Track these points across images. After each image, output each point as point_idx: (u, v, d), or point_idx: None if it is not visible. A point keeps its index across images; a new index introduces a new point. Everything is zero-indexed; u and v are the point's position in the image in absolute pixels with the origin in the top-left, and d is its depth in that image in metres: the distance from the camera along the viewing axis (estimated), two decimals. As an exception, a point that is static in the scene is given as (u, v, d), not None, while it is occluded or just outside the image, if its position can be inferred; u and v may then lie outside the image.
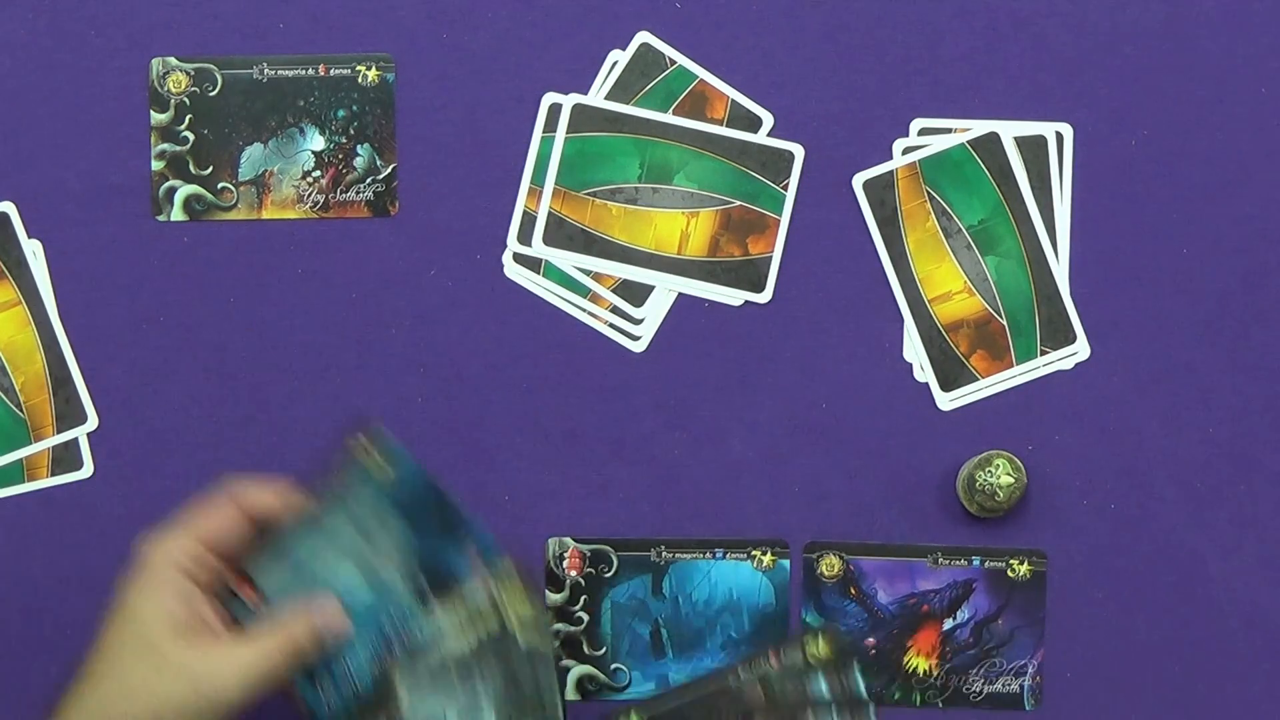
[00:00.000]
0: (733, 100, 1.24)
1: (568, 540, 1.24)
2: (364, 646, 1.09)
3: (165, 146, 1.23)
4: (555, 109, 1.23)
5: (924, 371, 1.24)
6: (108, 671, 1.04)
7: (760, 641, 1.22)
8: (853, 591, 1.24)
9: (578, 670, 1.24)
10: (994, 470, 1.21)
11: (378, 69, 1.23)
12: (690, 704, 1.19)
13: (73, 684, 1.05)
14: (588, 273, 1.24)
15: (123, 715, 1.03)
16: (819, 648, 1.19)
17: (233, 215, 1.23)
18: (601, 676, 1.24)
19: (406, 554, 1.10)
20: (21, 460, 1.23)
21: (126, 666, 1.04)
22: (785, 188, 1.24)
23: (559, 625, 1.24)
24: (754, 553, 1.23)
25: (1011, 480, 1.21)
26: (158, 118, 1.23)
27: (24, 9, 1.23)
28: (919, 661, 1.24)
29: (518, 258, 1.24)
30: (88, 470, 1.23)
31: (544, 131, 1.23)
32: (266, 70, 1.23)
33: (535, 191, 1.24)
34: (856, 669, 1.19)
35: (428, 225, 1.24)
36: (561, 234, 1.23)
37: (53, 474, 1.23)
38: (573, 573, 1.24)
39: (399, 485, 1.10)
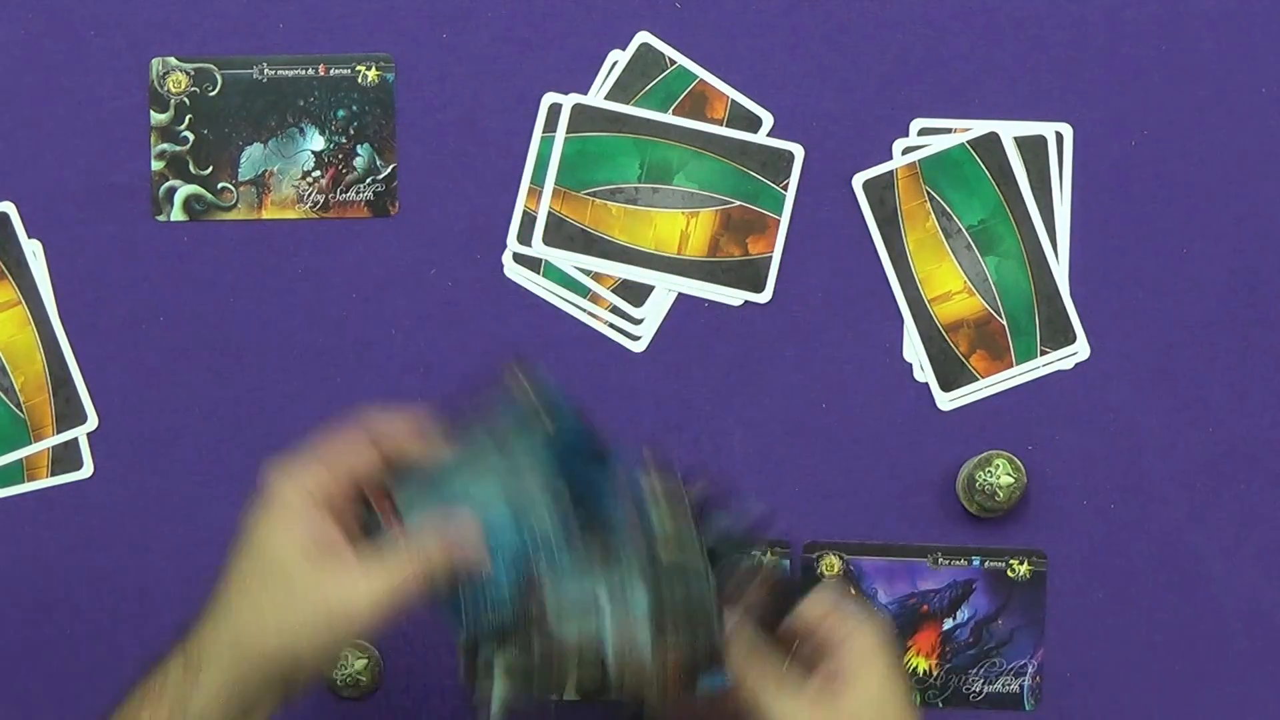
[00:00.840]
0: (733, 100, 1.24)
1: (568, 540, 1.23)
2: (502, 573, 1.05)
3: (165, 146, 1.23)
4: (555, 109, 1.23)
5: (924, 371, 1.24)
6: (241, 602, 1.03)
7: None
8: (852, 591, 1.23)
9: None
10: (994, 470, 1.21)
11: (378, 69, 1.23)
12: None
13: (202, 617, 1.04)
14: (588, 273, 1.24)
15: (257, 644, 1.02)
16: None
17: (233, 215, 1.23)
18: (601, 676, 1.24)
19: (556, 490, 1.06)
20: (21, 460, 1.23)
21: (260, 596, 1.03)
22: (785, 188, 1.24)
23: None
24: (754, 553, 1.23)
25: (1011, 480, 1.21)
26: (158, 118, 1.23)
27: (24, 9, 1.23)
28: (919, 661, 1.24)
29: (518, 258, 1.24)
30: (88, 470, 1.23)
31: (544, 131, 1.23)
32: (266, 70, 1.23)
33: (535, 191, 1.24)
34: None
35: (428, 225, 1.24)
36: (561, 234, 1.23)
37: (53, 474, 1.23)
38: (573, 573, 1.23)
39: (554, 423, 1.07)
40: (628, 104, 1.24)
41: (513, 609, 1.05)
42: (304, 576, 1.02)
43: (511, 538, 1.05)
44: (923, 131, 1.24)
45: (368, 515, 1.06)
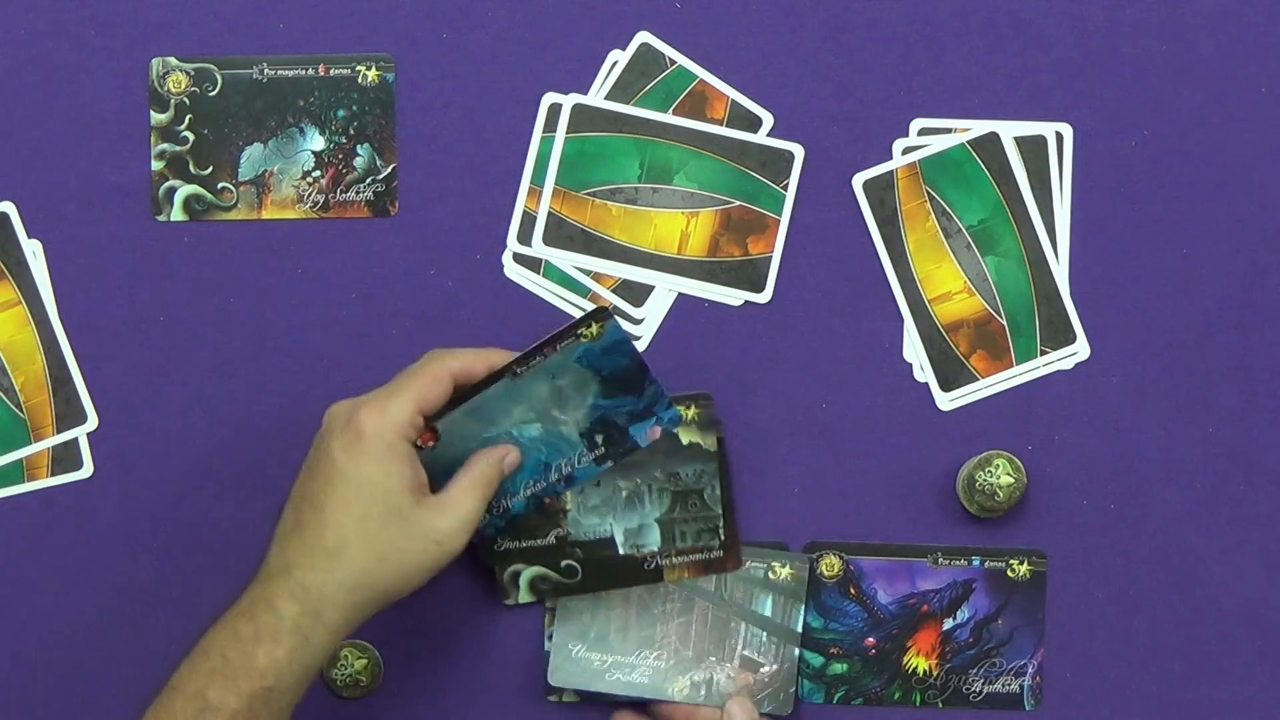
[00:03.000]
0: (733, 100, 1.24)
1: (568, 540, 1.24)
2: (524, 474, 1.15)
3: (165, 146, 1.23)
4: (555, 109, 1.23)
5: (924, 371, 1.24)
6: (360, 544, 1.08)
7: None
8: (853, 591, 1.24)
9: (578, 670, 1.24)
10: (994, 470, 1.21)
11: (378, 69, 1.23)
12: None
13: (308, 553, 1.08)
14: (588, 273, 1.24)
15: (377, 583, 1.08)
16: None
17: (233, 215, 1.24)
18: (601, 676, 1.24)
19: (590, 406, 1.14)
20: (21, 460, 1.23)
21: (379, 538, 1.08)
22: (785, 188, 1.24)
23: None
24: (754, 553, 1.23)
25: (1011, 480, 1.21)
26: (158, 118, 1.23)
27: (24, 9, 1.23)
28: (919, 661, 1.24)
29: (518, 258, 1.24)
30: (88, 470, 1.23)
31: (544, 131, 1.24)
32: (266, 70, 1.23)
33: (535, 191, 1.24)
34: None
35: (428, 225, 1.24)
36: (561, 234, 1.23)
37: (53, 474, 1.23)
38: (573, 573, 1.24)
39: (605, 349, 1.13)
40: (628, 104, 1.24)
41: (527, 508, 1.16)
42: (416, 516, 1.09)
43: (536, 454, 1.15)
44: (923, 131, 1.24)
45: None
